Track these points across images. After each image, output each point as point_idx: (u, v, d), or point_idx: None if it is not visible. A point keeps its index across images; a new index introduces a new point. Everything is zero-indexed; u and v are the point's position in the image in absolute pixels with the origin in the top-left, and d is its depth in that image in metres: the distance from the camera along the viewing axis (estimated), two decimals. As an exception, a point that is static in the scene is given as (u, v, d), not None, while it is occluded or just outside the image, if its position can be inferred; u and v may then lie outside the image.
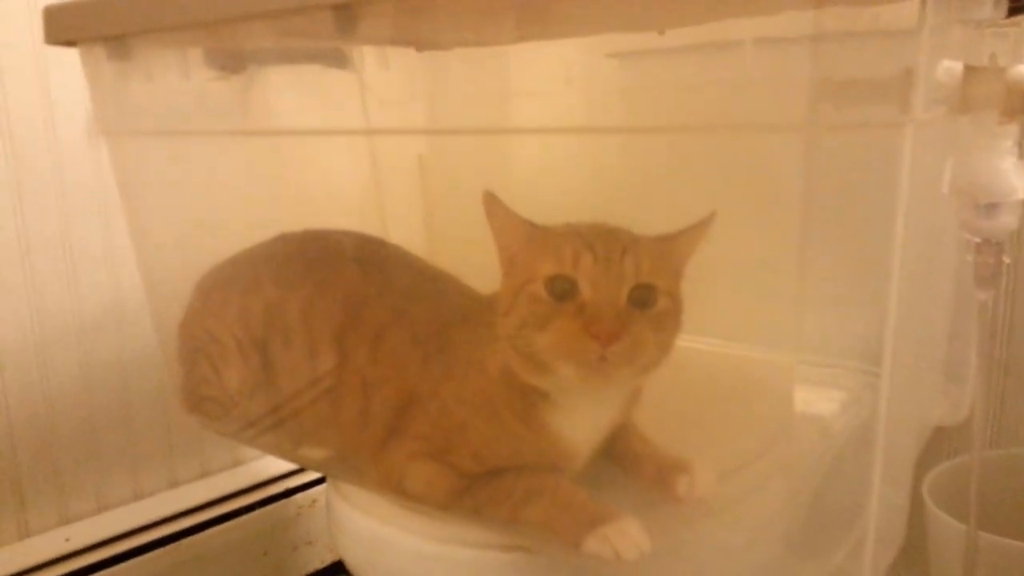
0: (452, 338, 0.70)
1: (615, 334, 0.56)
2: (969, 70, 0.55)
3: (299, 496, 1.23)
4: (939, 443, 1.07)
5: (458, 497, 0.66)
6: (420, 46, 0.89)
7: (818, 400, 0.81)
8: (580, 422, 0.64)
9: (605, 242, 0.59)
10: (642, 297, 0.58)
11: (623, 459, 0.68)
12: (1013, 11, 0.60)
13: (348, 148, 0.89)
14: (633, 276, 0.58)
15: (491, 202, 0.63)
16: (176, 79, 0.78)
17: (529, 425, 0.63)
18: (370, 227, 0.85)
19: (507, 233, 0.64)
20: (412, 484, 0.68)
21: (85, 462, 1.11)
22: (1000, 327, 1.01)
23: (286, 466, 1.24)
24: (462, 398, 0.67)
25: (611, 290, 0.58)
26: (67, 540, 1.06)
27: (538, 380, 0.61)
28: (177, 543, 1.11)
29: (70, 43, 0.78)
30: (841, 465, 0.71)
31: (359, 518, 0.74)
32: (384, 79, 0.83)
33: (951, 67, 0.54)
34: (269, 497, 1.21)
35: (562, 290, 0.59)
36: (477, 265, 0.71)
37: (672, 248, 0.62)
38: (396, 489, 0.69)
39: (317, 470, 1.13)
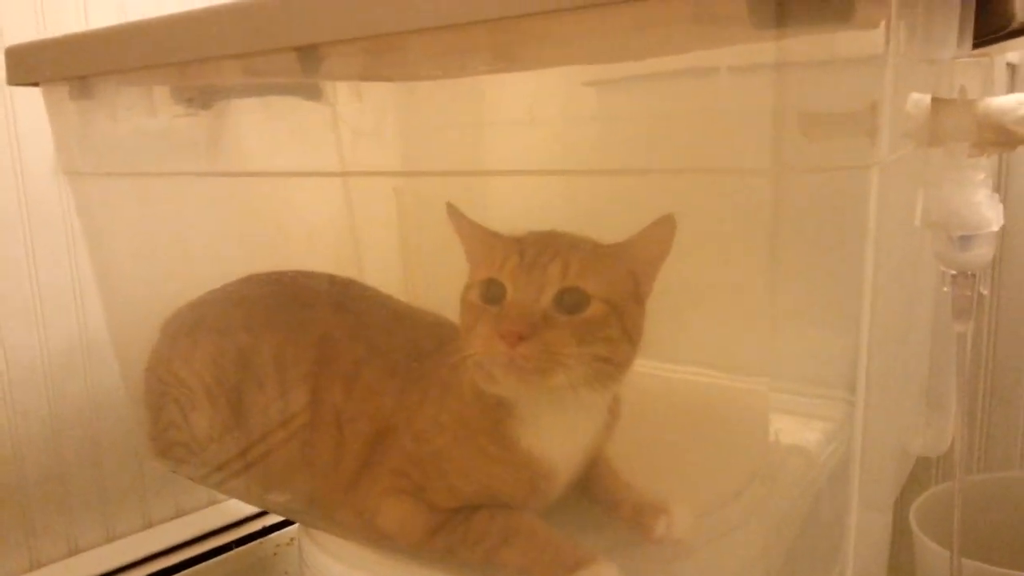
0: (428, 365, 0.69)
1: (519, 334, 0.55)
2: (938, 103, 0.55)
3: (276, 535, 1.21)
4: (926, 470, 1.06)
5: (431, 536, 0.65)
6: (393, 79, 0.88)
7: (801, 431, 0.80)
8: (550, 439, 0.63)
9: (538, 245, 0.60)
10: (569, 301, 0.58)
11: (601, 500, 0.67)
12: (979, 44, 0.59)
13: (321, 181, 0.87)
14: (559, 279, 0.58)
15: (453, 213, 0.65)
16: (141, 117, 0.77)
17: (500, 444, 0.62)
18: (344, 261, 0.84)
19: (470, 243, 0.65)
20: (385, 521, 0.67)
21: (55, 503, 1.08)
22: (984, 354, 1.00)
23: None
24: (437, 423, 0.66)
25: (530, 292, 0.58)
26: (38, 585, 1.04)
27: (490, 388, 0.61)
28: (152, 586, 1.09)
29: (33, 83, 0.77)
30: (823, 498, 0.70)
31: (330, 563, 0.73)
32: (357, 110, 0.82)
33: (919, 100, 0.54)
34: (246, 536, 1.18)
35: (494, 294, 0.59)
36: (455, 296, 0.70)
37: (621, 255, 0.61)
38: (368, 528, 0.68)
39: (287, 515, 1.11)
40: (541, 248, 0.59)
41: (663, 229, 0.60)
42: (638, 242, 0.61)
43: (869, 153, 0.45)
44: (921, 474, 1.06)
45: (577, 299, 0.58)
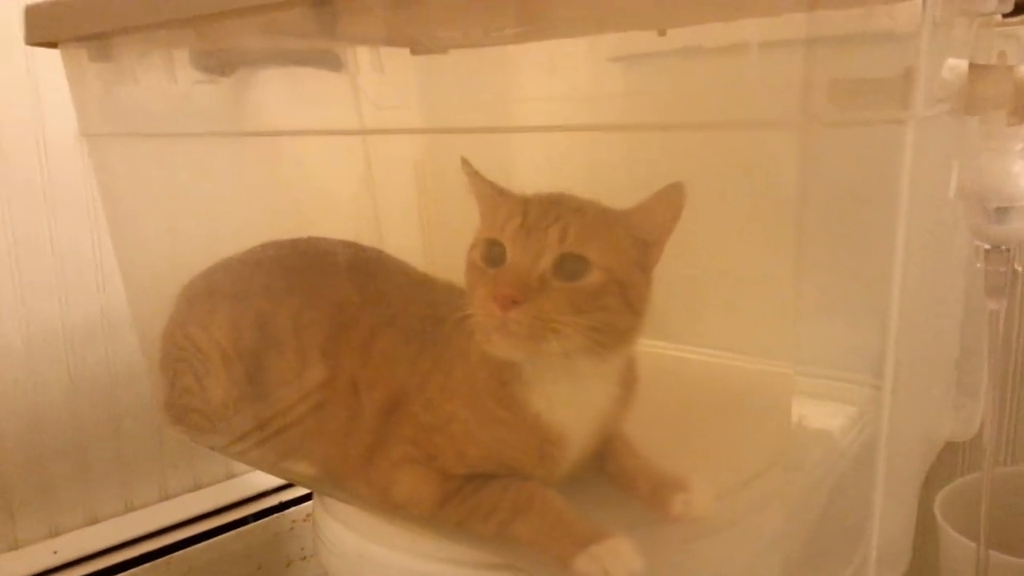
0: (442, 331, 0.68)
1: (512, 299, 0.55)
2: (975, 68, 0.53)
3: (293, 510, 1.22)
4: (952, 459, 1.04)
5: (442, 505, 0.64)
6: (414, 48, 0.87)
7: (824, 415, 0.79)
8: (559, 404, 0.62)
9: (541, 208, 0.59)
10: (569, 268, 0.57)
11: (617, 476, 0.66)
12: (1018, 9, 0.57)
13: (341, 155, 0.87)
14: (558, 245, 0.57)
15: (467, 168, 0.64)
16: (161, 81, 0.76)
17: (508, 408, 0.62)
18: (364, 234, 0.83)
19: (481, 199, 0.64)
20: (398, 491, 0.66)
21: (74, 473, 1.09)
22: (1016, 337, 0.97)
23: (281, 479, 1.22)
24: (448, 389, 0.65)
25: (529, 256, 0.57)
26: (55, 553, 1.04)
27: (489, 349, 0.60)
28: (168, 557, 1.09)
29: (51, 44, 0.76)
30: (846, 483, 0.69)
31: (345, 534, 0.72)
32: (378, 82, 0.81)
33: (956, 65, 0.52)
34: (263, 510, 1.19)
35: (495, 255, 0.59)
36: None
37: (627, 221, 0.60)
38: (382, 498, 0.67)
39: (302, 484, 1.11)
40: (544, 211, 0.58)
41: (671, 197, 0.59)
42: (645, 209, 0.60)
43: (904, 108, 0.43)
44: (946, 465, 1.03)
45: (576, 266, 0.57)
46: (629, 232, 0.60)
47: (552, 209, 0.58)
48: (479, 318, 0.58)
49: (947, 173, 0.56)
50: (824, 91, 0.45)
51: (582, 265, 0.57)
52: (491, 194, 0.63)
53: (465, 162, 0.64)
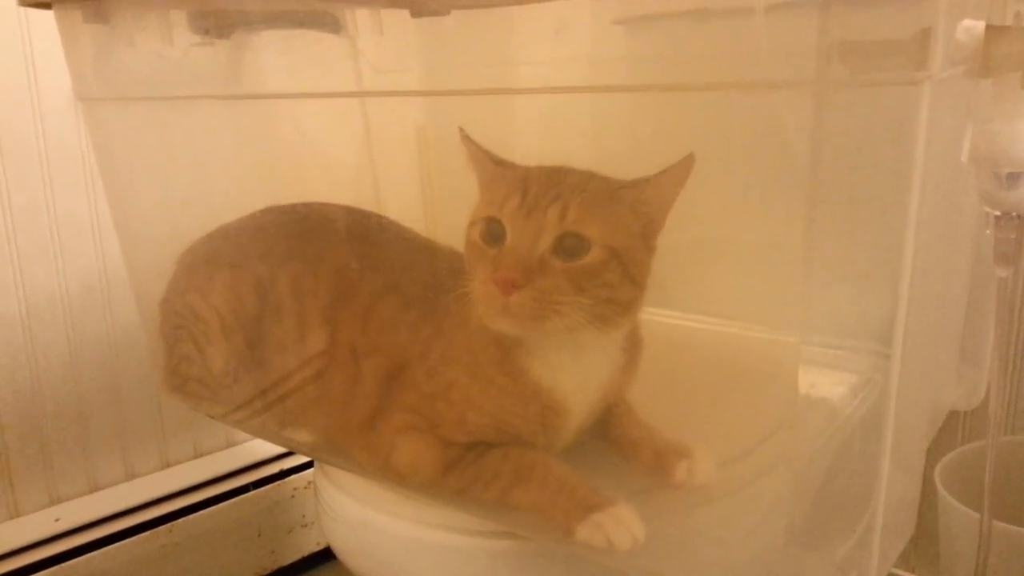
0: (442, 297, 0.67)
1: (513, 283, 0.54)
2: (991, 30, 0.52)
3: (294, 477, 1.22)
4: (952, 428, 1.04)
5: (444, 473, 0.64)
6: (415, 10, 0.86)
7: (827, 383, 0.78)
8: (560, 372, 0.62)
9: (541, 185, 0.57)
10: (569, 247, 0.56)
11: (620, 443, 0.66)
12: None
13: (342, 120, 0.86)
14: (557, 224, 0.56)
15: (466, 140, 0.63)
16: (158, 44, 0.75)
17: (509, 375, 0.61)
18: (365, 199, 0.82)
19: (480, 172, 0.63)
20: (399, 458, 0.66)
21: (75, 441, 1.09)
22: (1019, 306, 0.97)
23: (282, 447, 1.22)
24: (448, 355, 0.65)
25: (528, 237, 0.56)
26: (57, 520, 1.05)
27: (491, 326, 0.59)
28: (169, 524, 1.10)
29: (44, 5, 0.75)
30: (850, 451, 0.68)
31: (346, 502, 0.72)
32: (378, 44, 0.80)
33: (972, 27, 0.51)
34: (264, 478, 1.19)
35: (494, 234, 0.58)
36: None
37: (633, 195, 0.59)
38: (383, 466, 0.67)
39: (303, 452, 1.11)
40: (544, 188, 0.57)
41: (684, 169, 0.57)
42: (657, 182, 0.58)
43: (920, 69, 0.42)
44: (947, 433, 1.03)
45: (576, 244, 0.56)
46: (635, 205, 0.58)
47: (552, 186, 0.57)
48: (480, 297, 0.57)
49: (959, 137, 0.55)
50: (838, 52, 0.44)
51: (582, 243, 0.56)
52: (490, 167, 0.62)
53: (463, 133, 0.63)
